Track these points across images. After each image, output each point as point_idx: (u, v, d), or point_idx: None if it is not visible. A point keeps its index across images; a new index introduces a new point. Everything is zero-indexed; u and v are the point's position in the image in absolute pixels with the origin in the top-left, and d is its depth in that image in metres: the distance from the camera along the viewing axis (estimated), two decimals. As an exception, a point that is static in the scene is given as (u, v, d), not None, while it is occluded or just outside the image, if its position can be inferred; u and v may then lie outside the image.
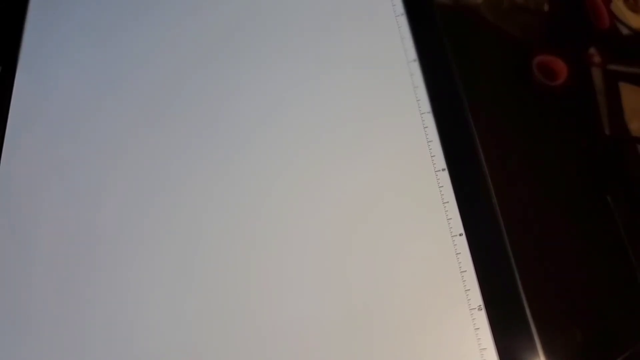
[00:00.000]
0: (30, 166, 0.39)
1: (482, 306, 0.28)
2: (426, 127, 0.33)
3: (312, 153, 0.34)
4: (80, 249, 0.35)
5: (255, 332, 0.30)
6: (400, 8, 0.37)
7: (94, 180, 0.37)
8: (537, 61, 0.35)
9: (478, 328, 0.28)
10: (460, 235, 0.30)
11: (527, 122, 0.33)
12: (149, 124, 0.38)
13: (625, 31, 0.36)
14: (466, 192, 0.31)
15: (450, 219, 0.30)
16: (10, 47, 0.44)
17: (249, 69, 0.38)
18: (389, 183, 0.32)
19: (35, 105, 0.41)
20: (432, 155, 0.32)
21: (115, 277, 0.34)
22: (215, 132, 0.36)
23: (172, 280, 0.33)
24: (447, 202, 0.30)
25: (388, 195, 0.32)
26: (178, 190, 0.35)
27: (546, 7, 0.37)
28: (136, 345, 0.31)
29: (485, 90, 0.34)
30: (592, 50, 0.35)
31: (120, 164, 0.37)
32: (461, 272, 0.29)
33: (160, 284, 0.33)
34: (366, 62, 0.36)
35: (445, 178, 0.31)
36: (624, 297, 0.29)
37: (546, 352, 0.27)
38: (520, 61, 0.35)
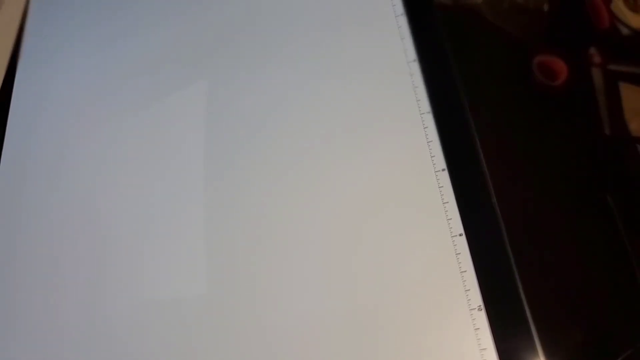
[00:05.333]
0: (30, 165, 0.39)
1: (482, 306, 0.28)
2: (426, 127, 0.33)
3: (312, 153, 0.34)
4: (80, 248, 0.35)
5: (259, 332, 0.30)
6: (400, 8, 0.37)
7: (94, 178, 0.37)
8: (537, 61, 0.35)
9: (478, 328, 0.28)
10: (460, 235, 0.30)
11: (527, 122, 0.33)
12: (148, 122, 0.38)
13: (625, 31, 0.36)
14: (466, 192, 0.31)
15: (450, 219, 0.30)
16: (10, 47, 0.44)
17: (248, 69, 0.38)
18: (388, 184, 0.32)
19: (35, 105, 0.41)
20: (432, 155, 0.32)
21: (115, 277, 0.34)
22: (214, 133, 0.36)
23: (174, 279, 0.33)
24: (447, 202, 0.30)
25: (388, 195, 0.32)
26: (178, 191, 0.35)
27: (546, 7, 0.37)
28: (137, 343, 0.31)
29: (485, 90, 0.34)
30: (592, 50, 0.35)
31: (121, 162, 0.37)
32: (461, 272, 0.29)
33: (162, 282, 0.33)
34: (366, 62, 0.36)
35: (445, 178, 0.31)
36: (624, 297, 0.29)
37: (546, 352, 0.27)
38: (520, 61, 0.35)
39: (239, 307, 0.31)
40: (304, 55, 0.37)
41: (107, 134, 0.38)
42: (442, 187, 0.31)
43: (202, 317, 0.31)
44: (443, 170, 0.31)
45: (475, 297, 0.28)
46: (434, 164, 0.32)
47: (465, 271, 0.29)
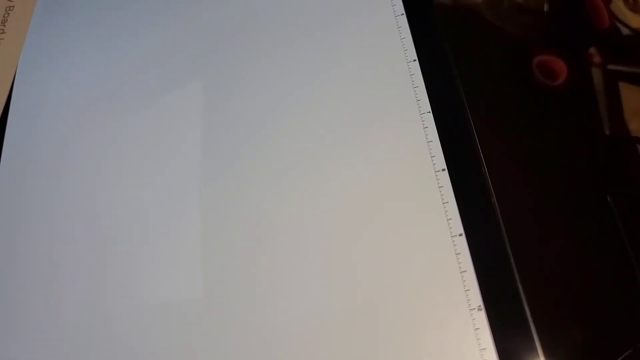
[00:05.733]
0: (30, 165, 0.39)
1: (482, 306, 0.28)
2: (426, 127, 0.33)
3: (312, 153, 0.34)
4: (80, 248, 0.35)
5: (259, 332, 0.30)
6: (400, 8, 0.37)
7: (94, 179, 0.37)
8: (537, 61, 0.35)
9: (478, 328, 0.28)
10: (460, 235, 0.30)
11: (527, 122, 0.33)
12: (148, 123, 0.38)
13: (625, 31, 0.36)
14: (466, 192, 0.31)
15: (450, 219, 0.30)
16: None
17: (248, 69, 0.38)
18: (388, 184, 0.32)
19: (35, 105, 0.41)
20: (432, 155, 0.32)
21: (115, 277, 0.34)
22: (214, 133, 0.36)
23: (174, 279, 0.33)
24: (447, 202, 0.30)
25: (387, 195, 0.32)
26: (178, 191, 0.35)
27: (546, 7, 0.37)
28: (137, 344, 0.31)
29: (485, 90, 0.34)
30: (592, 50, 0.35)
31: (121, 162, 0.37)
32: (461, 272, 0.29)
33: (163, 282, 0.33)
34: (366, 62, 0.36)
35: (445, 178, 0.31)
36: (624, 297, 0.29)
37: (546, 352, 0.27)
38: (520, 61, 0.35)
39: (239, 307, 0.31)
40: (303, 55, 0.37)
41: (107, 134, 0.38)
42: (442, 187, 0.31)
43: (202, 317, 0.31)
44: (443, 170, 0.31)
45: (475, 297, 0.28)
46: (434, 164, 0.32)
47: (465, 271, 0.29)
